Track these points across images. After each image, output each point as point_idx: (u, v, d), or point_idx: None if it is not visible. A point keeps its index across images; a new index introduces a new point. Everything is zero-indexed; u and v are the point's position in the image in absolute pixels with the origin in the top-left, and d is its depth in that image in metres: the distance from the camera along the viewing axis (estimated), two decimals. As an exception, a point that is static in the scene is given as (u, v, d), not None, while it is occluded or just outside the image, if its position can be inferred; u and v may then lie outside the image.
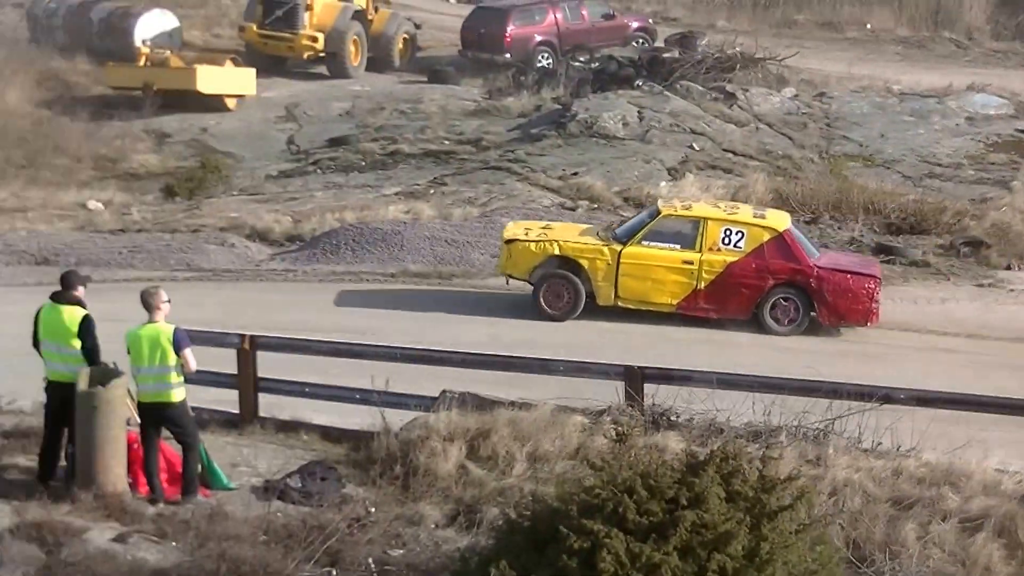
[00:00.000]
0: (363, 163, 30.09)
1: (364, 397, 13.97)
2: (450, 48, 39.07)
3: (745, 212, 20.54)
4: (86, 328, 12.04)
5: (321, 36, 36.24)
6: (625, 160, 28.72)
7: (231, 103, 34.20)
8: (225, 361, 14.23)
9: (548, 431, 13.39)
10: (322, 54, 36.52)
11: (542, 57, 37.66)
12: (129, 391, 12.17)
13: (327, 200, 27.01)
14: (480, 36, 37.79)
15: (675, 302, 19.76)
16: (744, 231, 19.72)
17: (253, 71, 34.80)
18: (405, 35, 38.61)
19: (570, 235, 20.50)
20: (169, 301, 12.08)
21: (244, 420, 14.34)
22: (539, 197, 26.50)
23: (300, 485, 12.63)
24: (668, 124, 30.57)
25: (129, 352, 12.03)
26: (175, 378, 11.99)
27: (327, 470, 12.93)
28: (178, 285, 20.35)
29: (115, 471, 11.87)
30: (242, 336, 14.50)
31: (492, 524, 11.43)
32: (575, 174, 27.73)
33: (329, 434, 14.15)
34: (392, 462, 12.98)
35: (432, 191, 27.52)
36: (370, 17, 37.99)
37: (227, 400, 14.39)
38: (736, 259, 19.64)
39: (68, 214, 26.52)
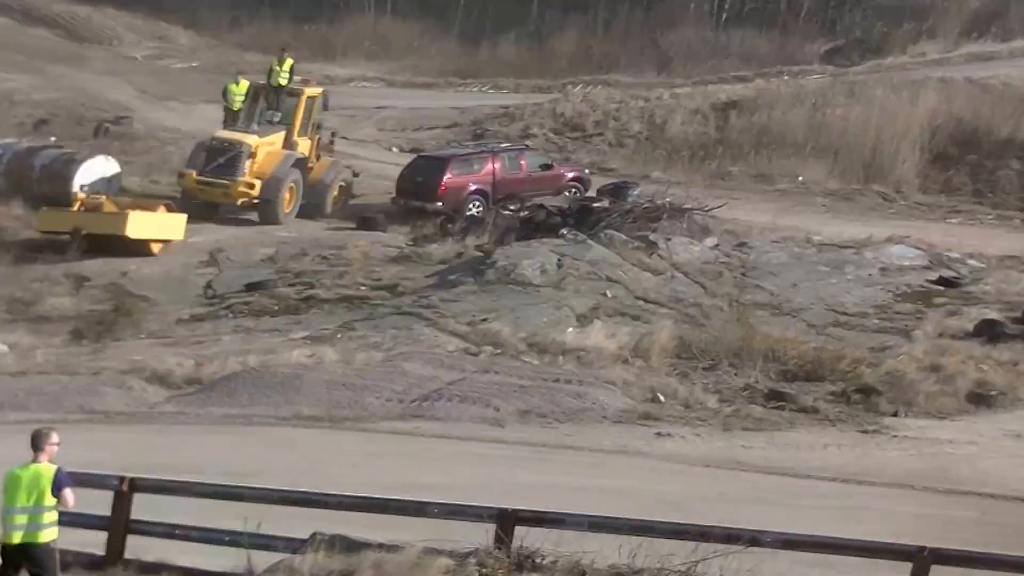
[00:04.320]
0: (276, 308, 30.60)
1: (233, 539, 14.22)
2: (385, 196, 39.79)
3: None
4: None
5: (258, 183, 36.98)
6: (537, 307, 29.32)
7: (155, 248, 34.71)
8: (98, 503, 14.40)
9: (413, 573, 13.63)
10: (256, 200, 37.17)
11: (473, 205, 38.40)
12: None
13: (234, 344, 27.48)
14: (416, 185, 38.64)
15: None
16: None
17: (184, 217, 35.36)
18: (342, 183, 39.41)
19: None
20: (58, 443, 12.28)
21: (108, 562, 14.48)
22: (444, 342, 26.96)
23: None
24: (586, 272, 31.24)
25: (5, 491, 12.19)
26: (47, 518, 12.16)
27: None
28: (69, 427, 20.48)
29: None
30: (121, 478, 14.76)
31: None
32: (484, 320, 28.28)
33: (191, 575, 14.34)
34: (252, 603, 13.19)
35: (339, 336, 27.93)
36: (310, 165, 38.78)
37: (93, 543, 14.53)
38: None
39: (-28, 357, 26.63)
